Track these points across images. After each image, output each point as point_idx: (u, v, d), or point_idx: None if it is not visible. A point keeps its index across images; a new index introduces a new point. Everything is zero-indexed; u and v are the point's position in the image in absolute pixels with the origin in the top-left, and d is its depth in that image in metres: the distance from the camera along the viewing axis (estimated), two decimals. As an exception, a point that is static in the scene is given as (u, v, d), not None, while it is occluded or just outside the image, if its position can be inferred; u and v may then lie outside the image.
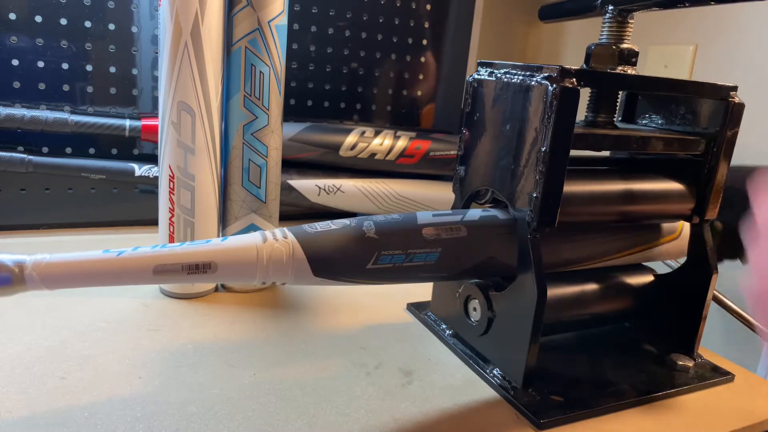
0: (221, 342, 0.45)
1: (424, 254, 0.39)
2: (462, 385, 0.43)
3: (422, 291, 0.54)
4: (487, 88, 0.44)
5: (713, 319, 0.61)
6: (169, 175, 0.49)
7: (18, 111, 0.60)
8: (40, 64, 0.61)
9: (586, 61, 0.44)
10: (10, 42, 0.60)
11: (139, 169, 0.65)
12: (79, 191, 0.66)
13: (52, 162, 0.62)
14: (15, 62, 0.60)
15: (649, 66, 0.75)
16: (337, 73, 0.77)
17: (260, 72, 0.49)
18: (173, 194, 0.49)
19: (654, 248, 0.50)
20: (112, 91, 0.65)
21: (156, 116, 0.66)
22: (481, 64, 0.45)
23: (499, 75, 0.42)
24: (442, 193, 0.74)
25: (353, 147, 0.71)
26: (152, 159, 0.68)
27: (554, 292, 0.45)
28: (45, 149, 0.64)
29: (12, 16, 0.59)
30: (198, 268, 0.33)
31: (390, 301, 0.55)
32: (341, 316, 0.52)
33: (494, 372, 0.43)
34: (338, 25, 0.75)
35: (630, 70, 0.44)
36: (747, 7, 0.64)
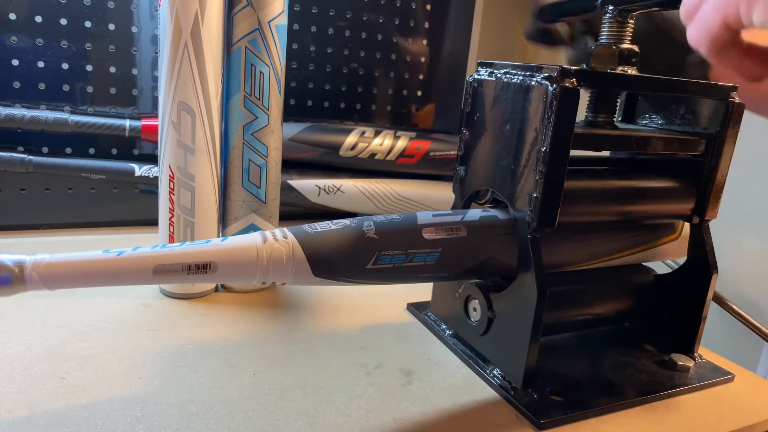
0: (221, 342, 0.45)
1: (424, 254, 0.39)
2: (462, 385, 0.43)
3: (422, 291, 0.54)
4: (487, 88, 0.43)
5: (713, 319, 0.61)
6: (169, 175, 0.49)
7: (18, 111, 0.60)
8: (40, 64, 0.61)
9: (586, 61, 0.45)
10: (10, 42, 0.60)
11: (139, 169, 0.65)
12: (79, 191, 0.66)
13: (52, 162, 0.62)
14: (15, 62, 0.60)
15: (649, 66, 0.75)
16: (337, 73, 0.77)
17: (260, 72, 0.49)
18: (173, 194, 0.49)
19: (654, 248, 0.50)
20: (112, 91, 0.65)
21: (156, 116, 0.66)
22: (481, 64, 0.45)
23: (499, 75, 0.42)
24: (442, 193, 0.74)
25: (353, 147, 0.71)
26: (152, 159, 0.68)
27: (554, 292, 0.45)
28: (45, 149, 0.64)
29: (12, 16, 0.59)
30: (198, 268, 0.33)
31: (390, 301, 0.55)
32: (341, 316, 0.52)
33: (494, 372, 0.43)
34: (338, 25, 0.75)
35: (630, 71, 0.44)
36: (747, 7, 0.64)
